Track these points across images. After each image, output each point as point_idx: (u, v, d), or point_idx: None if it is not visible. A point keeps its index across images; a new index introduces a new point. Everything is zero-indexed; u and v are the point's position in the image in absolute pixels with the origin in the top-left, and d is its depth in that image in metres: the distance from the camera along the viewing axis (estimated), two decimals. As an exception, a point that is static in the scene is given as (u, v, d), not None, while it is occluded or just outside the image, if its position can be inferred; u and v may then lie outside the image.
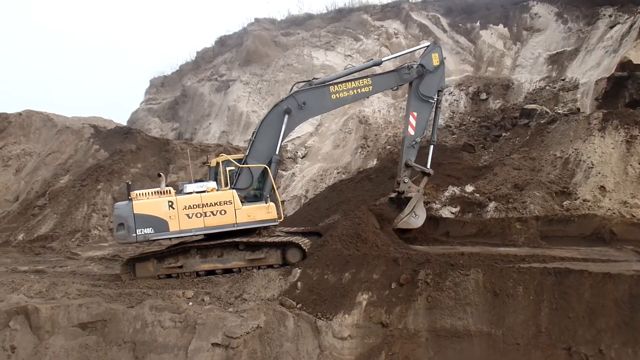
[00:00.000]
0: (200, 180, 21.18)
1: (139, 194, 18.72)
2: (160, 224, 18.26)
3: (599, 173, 21.45)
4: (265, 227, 19.81)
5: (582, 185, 21.36)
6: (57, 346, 15.81)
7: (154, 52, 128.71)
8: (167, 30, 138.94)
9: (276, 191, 19.99)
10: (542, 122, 26.48)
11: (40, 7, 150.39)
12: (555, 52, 34.48)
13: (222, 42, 52.83)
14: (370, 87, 21.57)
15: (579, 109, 27.59)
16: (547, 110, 27.90)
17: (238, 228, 19.08)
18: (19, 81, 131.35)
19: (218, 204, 18.75)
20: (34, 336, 15.99)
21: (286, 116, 20.15)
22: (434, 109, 22.32)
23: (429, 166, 21.98)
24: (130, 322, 16.05)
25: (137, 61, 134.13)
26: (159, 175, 20.49)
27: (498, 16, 40.07)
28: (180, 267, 18.97)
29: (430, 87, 22.16)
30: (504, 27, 38.92)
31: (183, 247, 19.12)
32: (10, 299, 17.02)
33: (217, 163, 20.11)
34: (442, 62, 22.47)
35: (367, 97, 23.95)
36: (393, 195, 22.39)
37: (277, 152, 20.17)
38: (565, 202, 20.94)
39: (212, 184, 19.30)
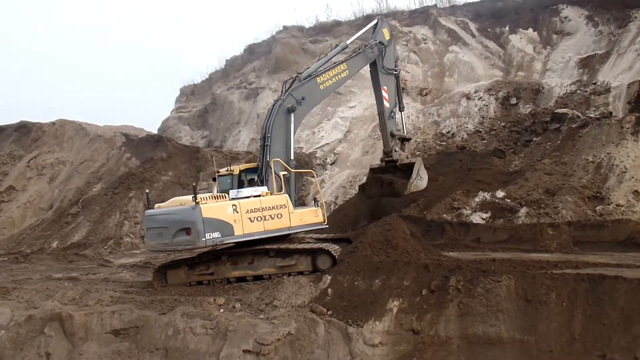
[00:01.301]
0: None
1: (202, 198, 18.18)
2: (226, 228, 17.81)
3: (632, 177, 21.18)
4: (313, 231, 20.25)
5: (615, 190, 21.10)
6: (91, 352, 15.97)
7: (184, 61, 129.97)
8: (196, 39, 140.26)
9: (321, 195, 20.78)
10: (573, 126, 26.21)
11: (72, 18, 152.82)
12: (586, 55, 34.13)
13: (251, 50, 53.17)
14: (347, 72, 23.09)
15: (611, 113, 27.26)
16: (579, 114, 27.61)
17: (293, 232, 19.33)
18: (52, 91, 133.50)
19: (275, 207, 18.80)
20: (68, 342, 16.17)
21: (292, 115, 20.44)
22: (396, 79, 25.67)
23: (406, 132, 26.51)
24: (162, 328, 16.16)
25: (167, 70, 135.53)
26: (214, 180, 20.42)
27: (527, 20, 39.79)
28: (211, 274, 19.03)
29: (389, 60, 25.26)
30: (534, 31, 38.66)
31: (214, 254, 19.20)
32: (44, 306, 17.24)
33: (240, 171, 20.22)
34: (391, 34, 25.47)
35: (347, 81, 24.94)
36: (379, 164, 26.32)
37: (292, 157, 20.31)
38: (598, 207, 20.68)
39: (265, 189, 19.26)
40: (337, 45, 24.91)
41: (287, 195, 19.26)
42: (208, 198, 18.35)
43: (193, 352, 15.61)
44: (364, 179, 31.95)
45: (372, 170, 26.51)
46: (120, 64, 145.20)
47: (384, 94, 25.18)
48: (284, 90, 21.33)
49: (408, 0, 78.88)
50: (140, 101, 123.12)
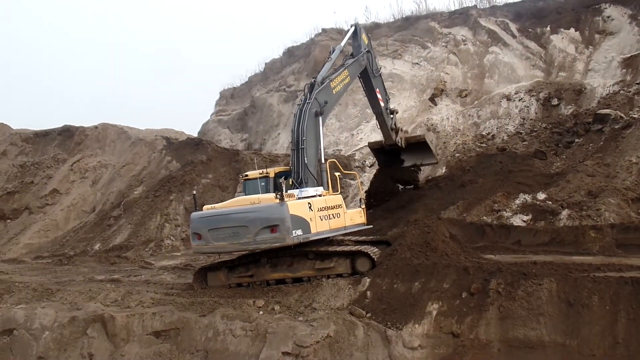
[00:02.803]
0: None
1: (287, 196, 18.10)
2: (306, 225, 17.93)
3: (677, 179, 20.78)
4: (359, 231, 20.43)
5: (660, 192, 20.72)
6: (132, 354, 16.23)
7: (223, 64, 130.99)
8: (236, 42, 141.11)
9: (364, 197, 21.35)
10: (616, 127, 25.80)
11: (111, 23, 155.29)
12: (630, 55, 33.54)
13: (290, 53, 53.33)
14: (349, 78, 23.50)
15: (655, 113, 26.80)
16: (622, 115, 27.13)
17: (347, 231, 19.70)
18: (95, 95, 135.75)
19: (335, 207, 19.20)
20: (110, 344, 16.46)
21: (319, 118, 20.60)
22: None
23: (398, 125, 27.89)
24: (202, 330, 16.33)
25: (207, 74, 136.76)
26: (286, 179, 20.25)
27: (569, 20, 39.26)
28: (251, 276, 19.15)
29: (375, 63, 26.08)
30: (575, 30, 38.11)
31: (253, 257, 19.31)
32: (87, 308, 17.58)
33: (276, 173, 20.28)
34: (368, 36, 26.34)
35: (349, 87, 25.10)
36: (382, 148, 28.19)
37: (322, 160, 20.39)
38: (642, 210, 20.35)
39: (321, 189, 19.44)
40: (333, 50, 24.95)
41: (340, 195, 19.77)
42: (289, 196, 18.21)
43: (233, 353, 15.75)
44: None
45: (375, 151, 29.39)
46: (161, 69, 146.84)
47: (378, 95, 26.16)
48: (306, 93, 21.43)
49: (447, 1, 78.35)
50: (180, 104, 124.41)
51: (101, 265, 27.01)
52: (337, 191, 19.87)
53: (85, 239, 32.60)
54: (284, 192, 17.76)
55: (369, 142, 31.39)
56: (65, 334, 16.85)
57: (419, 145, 28.03)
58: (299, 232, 17.55)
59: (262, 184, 20.28)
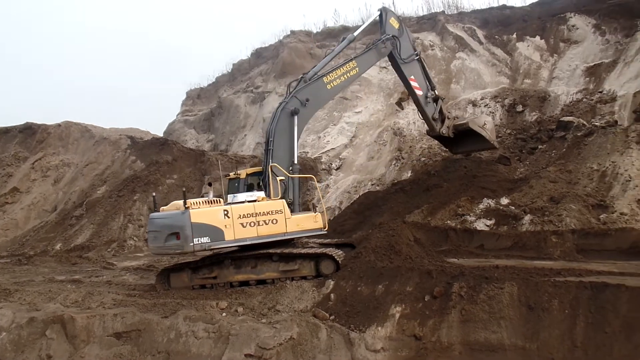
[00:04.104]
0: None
1: (194, 203, 18.53)
2: (216, 233, 18.00)
3: (637, 186, 21.10)
4: (311, 236, 20.07)
5: (620, 199, 21.02)
6: (92, 355, 16.03)
7: (190, 64, 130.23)
8: (204, 43, 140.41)
9: (322, 201, 20.24)
10: (578, 134, 26.14)
11: (77, 17, 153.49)
12: (593, 64, 34.03)
13: (258, 54, 53.27)
14: (357, 69, 22.61)
15: (616, 122, 27.16)
16: (584, 122, 27.52)
17: (288, 237, 19.13)
18: (57, 93, 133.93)
19: (270, 213, 18.74)
20: (70, 345, 16.24)
21: (295, 117, 20.12)
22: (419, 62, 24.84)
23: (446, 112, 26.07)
24: (165, 332, 16.20)
25: (173, 73, 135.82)
26: (210, 185, 20.61)
27: (535, 28, 39.71)
28: (215, 277, 19.08)
29: (406, 48, 24.35)
30: (541, 39, 38.57)
31: (217, 258, 19.22)
32: (47, 308, 17.33)
33: (248, 174, 20.23)
34: (400, 20, 24.53)
35: (357, 78, 24.54)
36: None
37: (296, 161, 20.04)
38: (602, 216, 20.60)
39: (262, 194, 19.29)
40: (343, 39, 24.20)
41: (284, 200, 19.13)
42: (201, 203, 18.57)
43: (195, 355, 15.66)
44: (369, 185, 32.02)
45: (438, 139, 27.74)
46: (127, 67, 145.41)
47: (413, 83, 24.58)
48: (288, 92, 21.17)
49: (416, 6, 78.87)
50: (145, 104, 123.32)
51: (62, 266, 26.68)
52: (278, 196, 19.36)
53: (45, 239, 32.16)
54: (186, 199, 18.19)
55: (426, 130, 28.43)
56: (23, 335, 16.58)
57: (472, 132, 26.19)
58: (205, 239, 17.72)
59: (236, 184, 20.47)
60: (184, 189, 20.54)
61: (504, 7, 44.71)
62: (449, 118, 26.12)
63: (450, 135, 26.16)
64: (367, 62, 23.49)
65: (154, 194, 21.92)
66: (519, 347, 13.91)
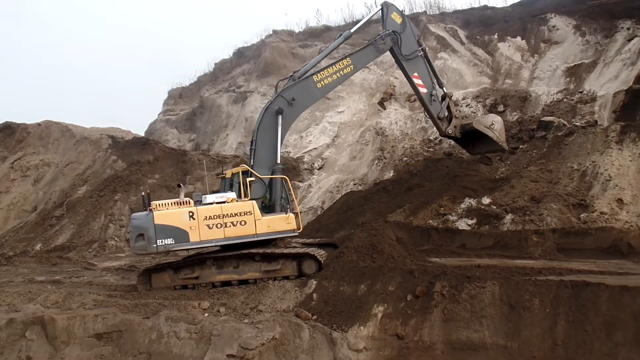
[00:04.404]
0: (218, 191, 21.13)
1: (159, 205, 18.74)
2: (180, 235, 18.18)
3: (617, 186, 21.28)
4: (283, 238, 19.71)
5: (600, 198, 21.19)
6: (73, 356, 15.86)
7: (172, 63, 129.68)
8: (186, 42, 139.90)
9: (295, 202, 19.75)
10: (559, 134, 26.33)
11: (60, 17, 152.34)
12: (573, 64, 34.34)
13: (240, 54, 53.22)
14: (352, 67, 21.85)
15: (596, 122, 27.44)
16: (565, 122, 27.74)
17: (258, 239, 18.91)
18: (37, 92, 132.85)
19: (238, 214, 18.65)
20: (50, 346, 16.05)
21: (279, 117, 19.92)
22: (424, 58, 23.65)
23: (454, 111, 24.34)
24: (146, 332, 16.08)
25: (155, 72, 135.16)
26: (179, 186, 20.52)
27: (516, 28, 40.03)
28: (196, 278, 18.99)
29: (409, 44, 23.26)
30: (522, 39, 38.87)
31: (199, 258, 19.14)
32: (27, 309, 17.12)
33: (233, 174, 20.10)
34: (403, 15, 23.36)
35: (351, 76, 23.38)
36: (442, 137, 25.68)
37: (279, 161, 19.93)
38: (582, 215, 20.77)
39: (232, 195, 19.22)
40: (340, 35, 23.49)
41: (254, 202, 18.98)
42: (169, 204, 18.72)
43: (177, 356, 15.55)
44: (352, 185, 32.04)
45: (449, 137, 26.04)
46: (108, 66, 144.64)
47: (416, 80, 23.56)
48: (276, 91, 21.00)
49: (398, 6, 78.88)
50: (127, 103, 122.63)
51: (42, 266, 26.43)
52: (257, 196, 19.33)
53: (25, 239, 31.87)
54: (149, 201, 18.77)
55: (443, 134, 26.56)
56: (3, 337, 16.36)
57: (479, 132, 24.73)
58: (169, 241, 18.05)
59: (223, 184, 20.52)
60: (144, 193, 20.61)
61: (485, 7, 45.07)
62: (456, 117, 24.95)
63: (457, 135, 25.10)
64: (363, 60, 22.87)
65: (144, 192, 21.82)
66: (501, 346, 13.97)
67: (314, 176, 35.38)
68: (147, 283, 19.39)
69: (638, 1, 33.63)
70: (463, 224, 22.46)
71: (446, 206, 23.43)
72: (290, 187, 19.64)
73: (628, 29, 32.90)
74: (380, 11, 23.66)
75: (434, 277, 15.84)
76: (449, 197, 23.88)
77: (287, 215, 19.33)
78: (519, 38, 39.01)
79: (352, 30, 23.37)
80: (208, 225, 18.39)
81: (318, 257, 18.51)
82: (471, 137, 25.35)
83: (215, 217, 18.49)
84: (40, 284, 21.33)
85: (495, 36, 40.08)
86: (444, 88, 24.15)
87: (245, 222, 18.67)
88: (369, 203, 26.73)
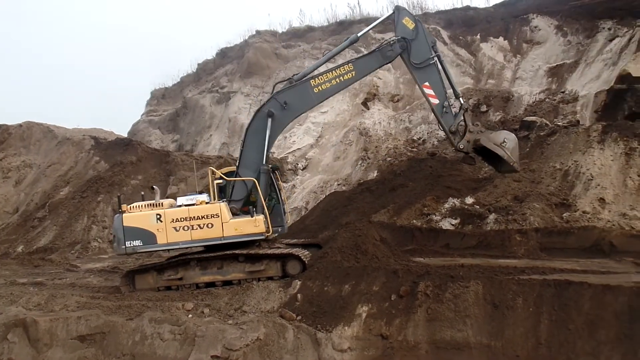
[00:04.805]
0: (202, 192, 21.07)
1: (133, 207, 19.01)
2: (148, 237, 18.45)
3: (599, 185, 21.46)
4: (253, 241, 19.30)
5: (582, 197, 21.36)
6: (56, 359, 15.75)
7: (155, 63, 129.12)
8: (168, 42, 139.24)
9: (264, 204, 19.25)
10: (541, 134, 26.50)
11: (40, 17, 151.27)
12: (555, 64, 34.58)
13: (223, 54, 53.08)
14: (354, 73, 20.46)
15: (578, 121, 27.65)
16: (547, 122, 27.92)
17: (225, 241, 18.80)
18: (19, 93, 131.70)
19: (205, 217, 18.64)
20: (32, 349, 15.92)
21: (269, 120, 19.51)
22: (438, 66, 21.10)
23: (471, 123, 21.46)
24: (129, 334, 16.00)
25: (138, 73, 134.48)
26: (152, 188, 20.54)
27: (498, 29, 40.25)
28: (180, 279, 18.91)
29: (421, 52, 21.00)
30: (504, 39, 39.08)
31: (183, 259, 19.08)
32: (8, 312, 16.97)
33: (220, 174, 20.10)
34: (416, 21, 21.32)
35: (352, 84, 21.96)
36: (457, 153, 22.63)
37: (264, 162, 19.57)
38: (565, 214, 20.92)
39: (203, 197, 19.25)
40: (347, 39, 22.26)
41: (221, 204, 18.82)
42: (142, 207, 19.03)
43: (161, 358, 15.49)
44: (335, 185, 32.07)
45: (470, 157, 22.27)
46: (90, 66, 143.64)
47: (427, 90, 21.09)
48: (272, 93, 20.59)
49: (381, 7, 79.16)
50: (110, 104, 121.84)
51: (24, 268, 26.22)
52: (238, 198, 19.29)
53: (7, 241, 31.61)
54: (120, 203, 19.25)
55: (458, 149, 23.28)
56: (-15, 339, 16.25)
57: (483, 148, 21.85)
58: (137, 242, 18.47)
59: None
60: (119, 195, 20.86)
61: (467, 8, 45.27)
62: (471, 131, 21.49)
63: (470, 151, 21.78)
64: (367, 67, 21.05)
65: (119, 194, 21.75)
66: (484, 345, 14.03)
67: (298, 177, 35.38)
68: (131, 284, 19.29)
69: (619, 1, 33.95)
70: (447, 224, 22.55)
71: (430, 206, 23.51)
72: (259, 190, 19.25)
73: (609, 29, 33.19)
74: (391, 15, 21.85)
75: (417, 277, 15.87)
76: (433, 197, 23.96)
77: (254, 218, 18.87)
78: (501, 38, 39.22)
79: (358, 35, 22.19)
80: (175, 228, 18.48)
81: (302, 257, 18.48)
82: (484, 154, 22.47)
83: (182, 219, 18.54)
84: (22, 286, 21.18)
85: (478, 36, 40.26)
86: (461, 99, 21.67)
87: (213, 225, 18.62)
88: (353, 203, 26.76)
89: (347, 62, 20.65)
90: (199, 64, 54.76)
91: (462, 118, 21.37)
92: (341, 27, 47.57)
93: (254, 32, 50.92)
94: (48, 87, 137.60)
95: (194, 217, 18.58)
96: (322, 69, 21.42)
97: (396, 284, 15.92)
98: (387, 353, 14.70)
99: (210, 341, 15.29)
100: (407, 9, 22.77)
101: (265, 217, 19.25)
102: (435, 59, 21.08)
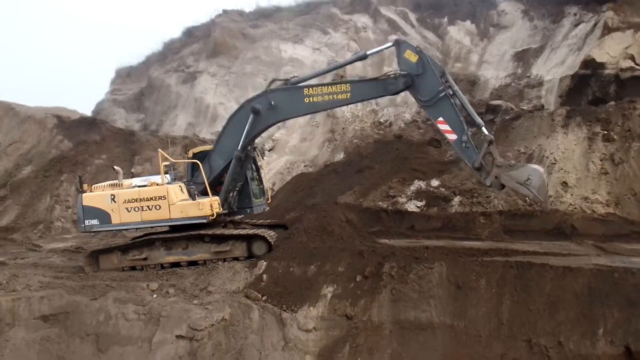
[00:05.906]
0: (167, 173, 20.85)
1: (96, 187, 19.18)
2: (104, 216, 18.68)
3: (562, 169, 21.77)
4: (201, 224, 19.01)
5: (545, 181, 21.66)
6: (18, 338, 15.60)
7: (120, 41, 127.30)
8: (134, 20, 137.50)
9: (208, 187, 18.89)
10: (507, 118, 26.78)
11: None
12: (521, 49, 34.92)
13: (190, 33, 52.49)
14: (348, 95, 18.78)
15: (543, 106, 27.98)
16: (512, 106, 28.22)
17: (173, 223, 18.89)
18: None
19: (154, 198, 18.66)
20: (-6, 328, 15.76)
21: (252, 115, 18.96)
22: (451, 97, 18.31)
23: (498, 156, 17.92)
24: (94, 314, 15.90)
25: (102, 51, 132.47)
26: (113, 169, 20.46)
27: (466, 12, 40.48)
28: (145, 259, 18.80)
29: (429, 87, 18.40)
30: (472, 23, 39.34)
31: (148, 239, 18.96)
32: (-31, 291, 16.75)
33: (193, 154, 20.07)
34: (419, 52, 18.70)
35: (344, 105, 21.08)
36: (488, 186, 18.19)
37: (239, 148, 19.30)
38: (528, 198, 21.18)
39: (155, 178, 19.27)
40: (354, 54, 20.87)
41: (169, 186, 18.76)
42: (104, 187, 19.25)
43: (125, 337, 15.44)
44: (302, 166, 32.06)
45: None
46: (54, 43, 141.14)
47: (442, 126, 18.42)
48: (268, 87, 19.97)
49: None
50: (73, 82, 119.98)
51: (-15, 248, 25.80)
52: (162, 182, 19.11)
53: (-33, 220, 31.04)
54: (82, 183, 19.54)
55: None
56: (-56, 319, 16.01)
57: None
58: (94, 222, 18.86)
59: (188, 166, 20.54)
60: (79, 175, 20.79)
61: (436, -10, 45.28)
62: (498, 166, 17.59)
63: (499, 188, 17.96)
64: (365, 93, 19.46)
65: (79, 174, 21.55)
66: (448, 325, 14.25)
67: (265, 157, 35.25)
68: (95, 264, 19.14)
69: (584, -13, 34.32)
70: (412, 206, 22.72)
71: (395, 188, 23.66)
72: (203, 173, 19.08)
73: (575, 14, 33.57)
74: (392, 45, 19.45)
75: (383, 258, 16.01)
76: (399, 179, 24.12)
77: (199, 201, 18.71)
78: (468, 22, 39.47)
79: (367, 53, 19.74)
80: (127, 209, 18.64)
81: (268, 238, 18.47)
82: None
83: (133, 200, 18.67)
84: (-17, 265, 20.87)
85: (445, 19, 40.45)
86: (484, 129, 18.25)
87: (160, 207, 18.69)
88: (319, 185, 26.83)
89: (346, 82, 19.41)
90: (165, 43, 54.08)
91: (485, 151, 17.96)
92: (309, 8, 47.46)
93: (221, 12, 50.53)
94: (8, 65, 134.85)
95: (144, 198, 18.69)
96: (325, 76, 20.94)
97: (361, 265, 16.04)
98: (352, 333, 14.83)
99: (175, 321, 15.27)
100: (407, 41, 21.06)
101: (226, 200, 19.39)
102: (447, 90, 18.25)
